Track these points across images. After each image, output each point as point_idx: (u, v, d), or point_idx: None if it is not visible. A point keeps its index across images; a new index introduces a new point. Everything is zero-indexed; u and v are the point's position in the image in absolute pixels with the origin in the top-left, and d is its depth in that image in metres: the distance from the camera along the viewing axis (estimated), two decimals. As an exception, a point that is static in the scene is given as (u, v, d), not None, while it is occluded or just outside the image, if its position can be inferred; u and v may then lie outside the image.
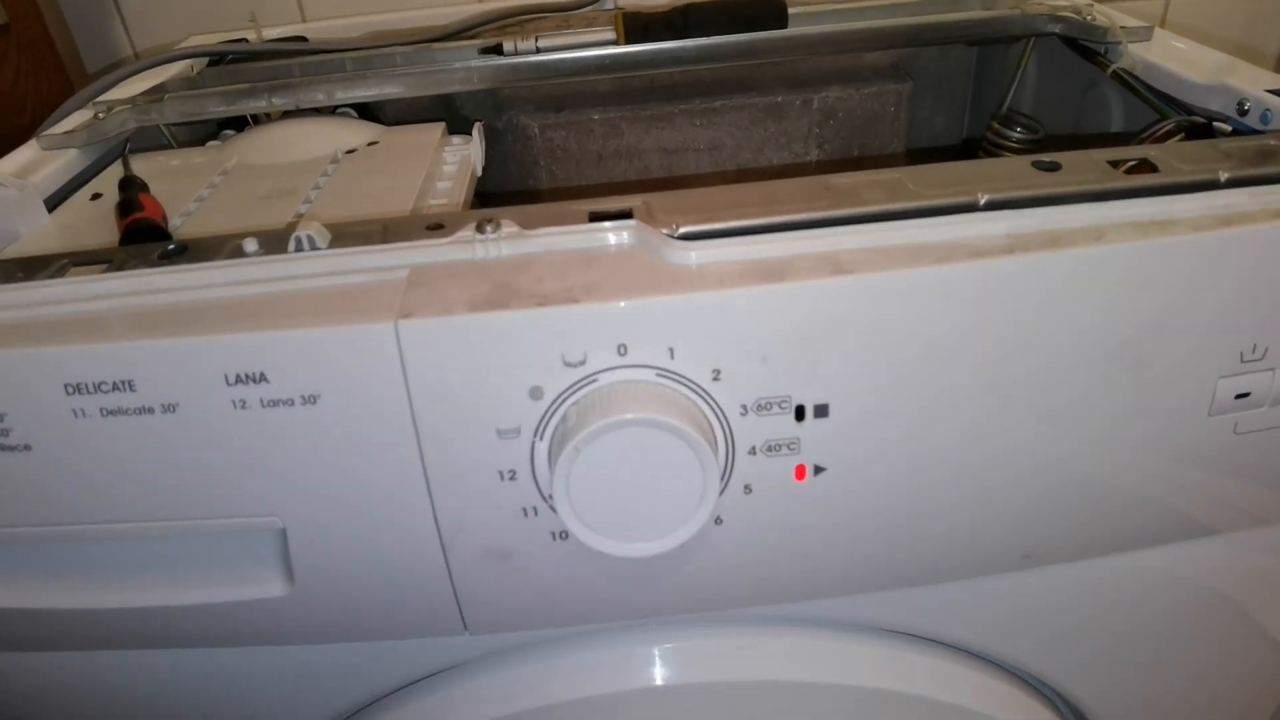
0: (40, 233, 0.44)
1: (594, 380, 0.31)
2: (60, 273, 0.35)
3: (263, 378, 0.30)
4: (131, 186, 0.44)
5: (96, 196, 0.48)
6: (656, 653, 0.40)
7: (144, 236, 0.39)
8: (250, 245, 0.34)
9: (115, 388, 0.31)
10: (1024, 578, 0.38)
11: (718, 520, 0.34)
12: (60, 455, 0.32)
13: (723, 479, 0.32)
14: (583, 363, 0.30)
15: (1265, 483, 0.37)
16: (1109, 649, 0.43)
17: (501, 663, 0.41)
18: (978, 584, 0.38)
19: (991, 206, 0.34)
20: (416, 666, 0.40)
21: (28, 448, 0.32)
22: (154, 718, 0.42)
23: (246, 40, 0.63)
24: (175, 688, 0.41)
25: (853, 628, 0.40)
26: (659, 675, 0.39)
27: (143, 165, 0.50)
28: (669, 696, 0.39)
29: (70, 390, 0.31)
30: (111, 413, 0.31)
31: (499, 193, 0.56)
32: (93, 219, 0.45)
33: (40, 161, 0.48)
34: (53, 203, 0.46)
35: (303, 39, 0.63)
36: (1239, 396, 0.35)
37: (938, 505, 0.34)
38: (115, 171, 0.50)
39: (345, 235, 0.34)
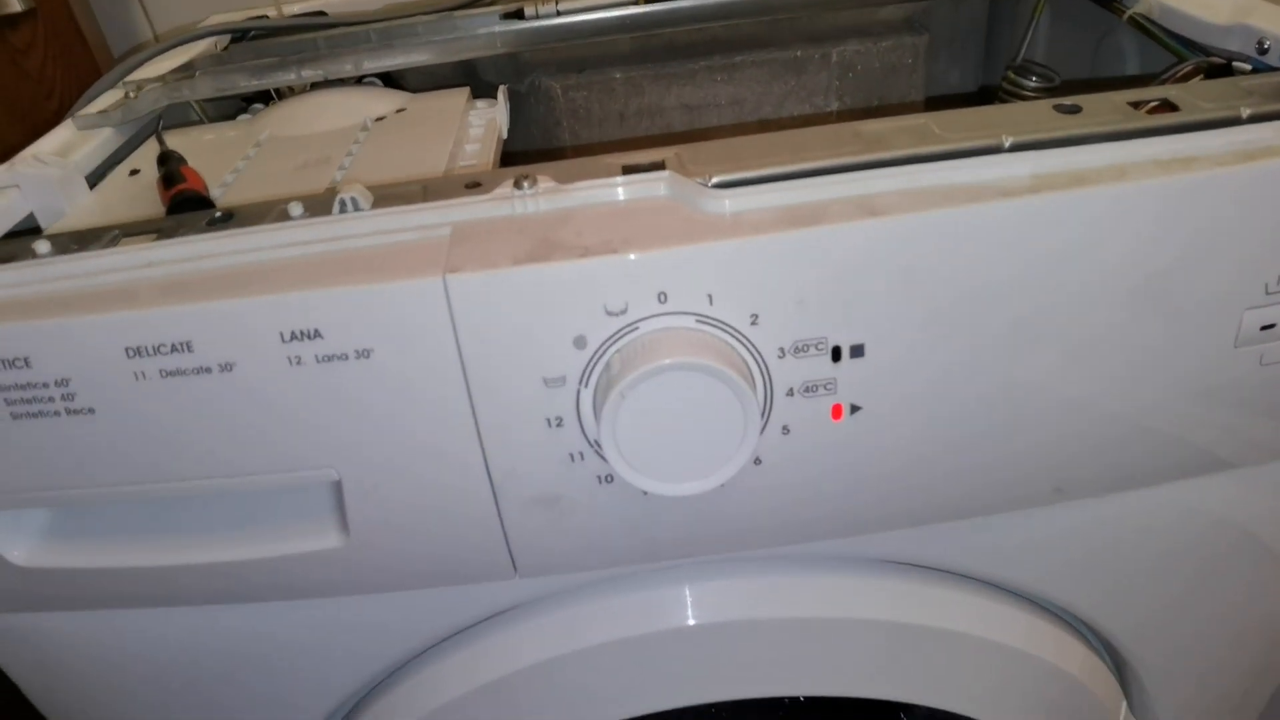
0: (84, 209, 0.45)
1: (635, 328, 0.32)
2: (113, 243, 0.36)
3: (316, 334, 0.31)
4: (171, 160, 0.45)
5: (135, 172, 0.49)
6: (689, 593, 0.41)
7: (189, 206, 0.40)
8: (295, 209, 0.35)
9: (174, 349, 0.32)
10: (1054, 512, 0.39)
11: (757, 461, 0.35)
12: (123, 417, 0.33)
13: (762, 420, 0.33)
14: (624, 311, 0.31)
15: (1291, 413, 0.38)
16: (1137, 583, 0.44)
17: (538, 610, 0.42)
18: (1009, 519, 0.39)
19: (1016, 149, 0.34)
20: (464, 615, 0.41)
21: (92, 411, 0.33)
22: (208, 675, 0.44)
23: (267, 17, 0.64)
24: (230, 643, 0.42)
25: (889, 565, 0.41)
26: (694, 615, 0.40)
27: (176, 141, 0.52)
28: (703, 634, 0.40)
29: (130, 354, 0.32)
30: (171, 374, 0.32)
31: (524, 152, 0.56)
32: (133, 194, 0.46)
33: (77, 141, 0.49)
34: (92, 181, 0.48)
35: (322, 14, 0.63)
36: (1265, 328, 0.35)
37: (970, 441, 0.35)
38: (150, 148, 0.51)
39: (387, 196, 0.35)
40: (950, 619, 0.41)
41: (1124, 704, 0.48)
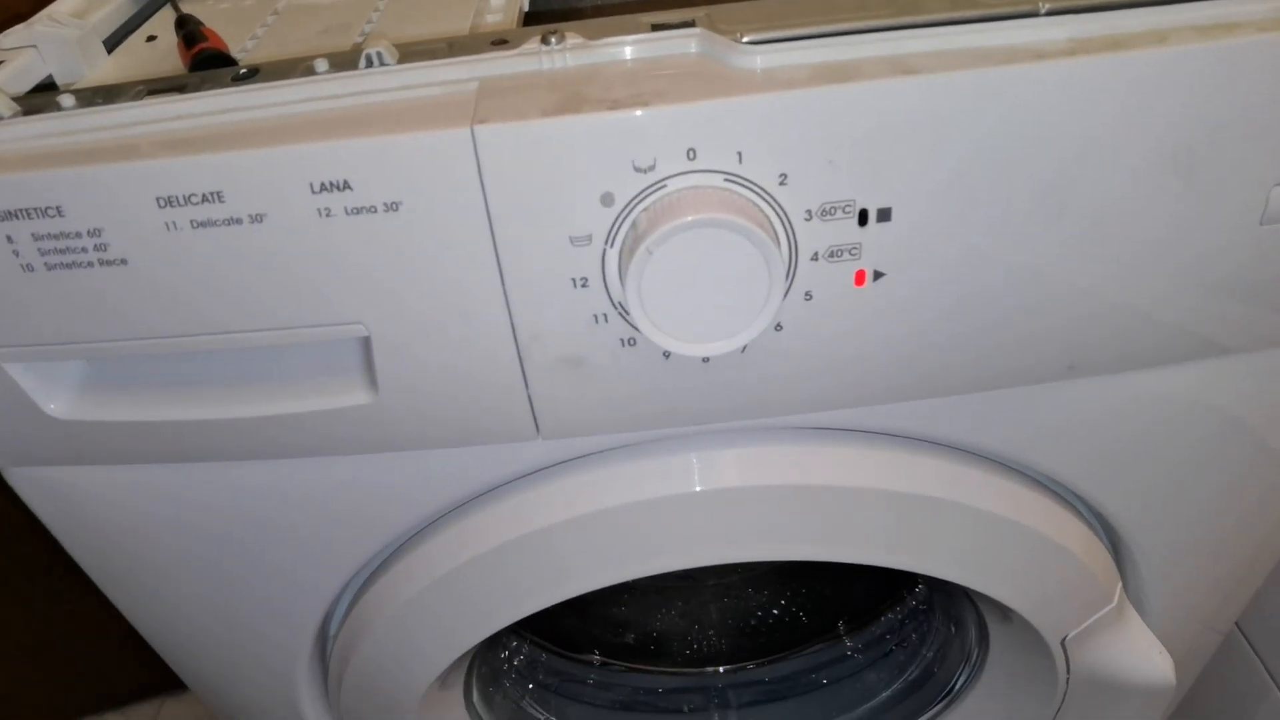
0: (102, 72, 0.45)
1: (663, 185, 0.32)
2: (138, 97, 0.36)
3: (346, 185, 0.32)
4: (189, 22, 0.44)
5: (152, 39, 0.48)
6: (698, 459, 0.42)
7: (213, 64, 0.39)
8: (321, 65, 0.35)
9: (205, 199, 0.32)
10: (1064, 389, 0.40)
11: (778, 327, 0.35)
12: (155, 268, 0.34)
13: (786, 283, 0.34)
14: (652, 168, 0.31)
15: (1308, 297, 0.38)
16: (1138, 464, 0.45)
17: (554, 475, 0.43)
18: (1021, 394, 0.40)
19: (1054, 13, 0.34)
20: (486, 478, 0.43)
21: (124, 262, 0.34)
22: (232, 533, 0.45)
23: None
24: (255, 500, 0.43)
25: (902, 440, 0.42)
26: (715, 479, 0.41)
27: (191, 10, 0.51)
28: (725, 498, 0.41)
29: (162, 204, 0.32)
30: (201, 224, 0.33)
31: (546, 11, 0.55)
32: (151, 59, 0.46)
33: (92, 6, 0.48)
34: (108, 47, 0.47)
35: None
36: (1292, 206, 0.35)
37: (991, 311, 0.35)
38: (165, 16, 0.50)
39: (412, 52, 0.35)
40: (961, 493, 0.42)
41: (1119, 585, 0.50)
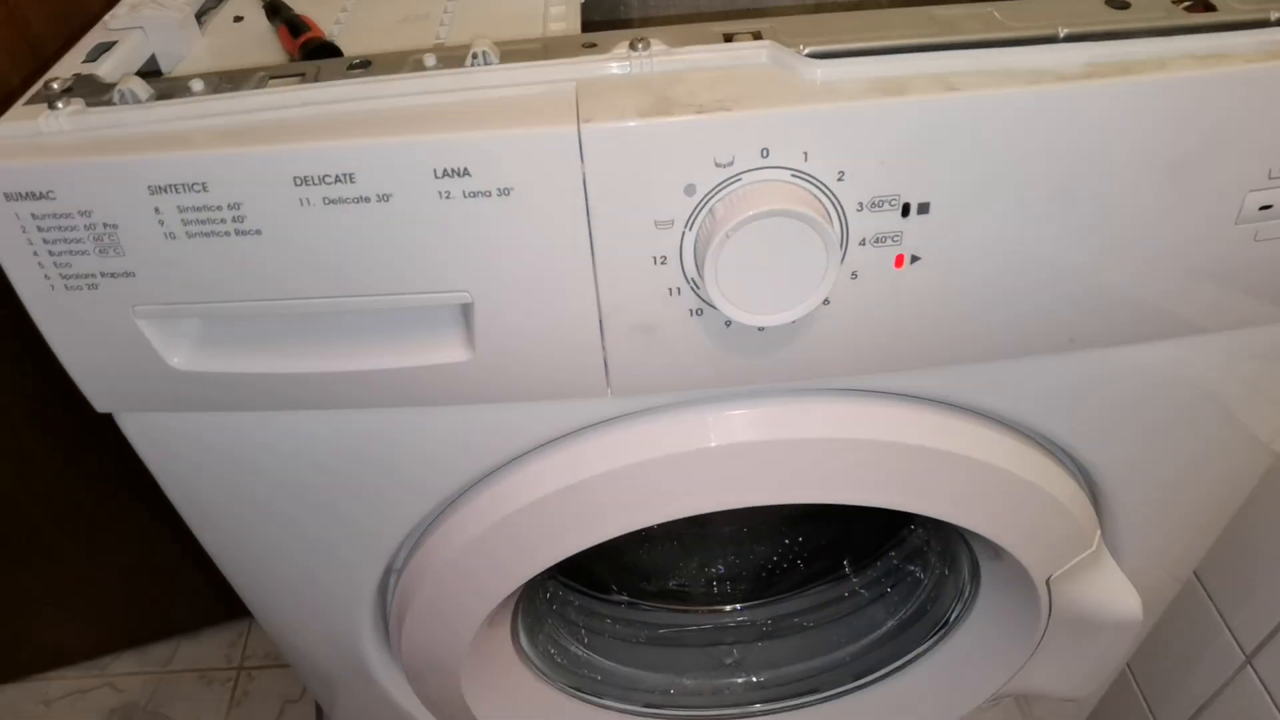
0: (201, 53, 0.49)
1: (739, 179, 0.37)
2: (261, 84, 0.40)
3: (465, 172, 0.36)
4: (284, 9, 0.48)
5: (239, 19, 0.52)
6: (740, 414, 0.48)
7: (321, 53, 0.44)
8: (429, 60, 0.39)
9: (338, 180, 0.37)
10: (1063, 359, 0.46)
11: (826, 302, 0.41)
12: (286, 238, 0.38)
13: (840, 263, 0.39)
14: (731, 164, 0.37)
15: (1271, 285, 0.45)
16: (1122, 426, 0.51)
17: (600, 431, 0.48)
18: (1026, 362, 0.46)
19: (1070, 39, 0.39)
20: (556, 428, 0.48)
21: (259, 232, 0.38)
22: (328, 473, 0.50)
23: None
24: (353, 443, 0.48)
25: (918, 400, 0.48)
26: (756, 432, 0.47)
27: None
28: (757, 449, 0.47)
29: (298, 182, 0.37)
30: (333, 202, 0.37)
31: (595, 21, 0.59)
32: (244, 40, 0.50)
33: (178, -14, 0.52)
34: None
35: None
36: (1263, 208, 0.41)
37: (1008, 291, 0.41)
38: (242, -2, 0.54)
39: (512, 52, 0.40)
40: (966, 447, 0.48)
41: (1099, 532, 0.56)
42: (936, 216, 0.38)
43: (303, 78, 0.40)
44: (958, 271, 0.40)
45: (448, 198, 0.37)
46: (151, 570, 1.14)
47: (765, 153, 0.36)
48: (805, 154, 0.36)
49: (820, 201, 0.37)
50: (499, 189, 0.37)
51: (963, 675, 0.66)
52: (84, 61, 0.44)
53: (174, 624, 1.24)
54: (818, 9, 0.61)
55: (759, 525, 0.75)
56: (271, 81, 0.40)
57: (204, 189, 0.37)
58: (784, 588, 0.75)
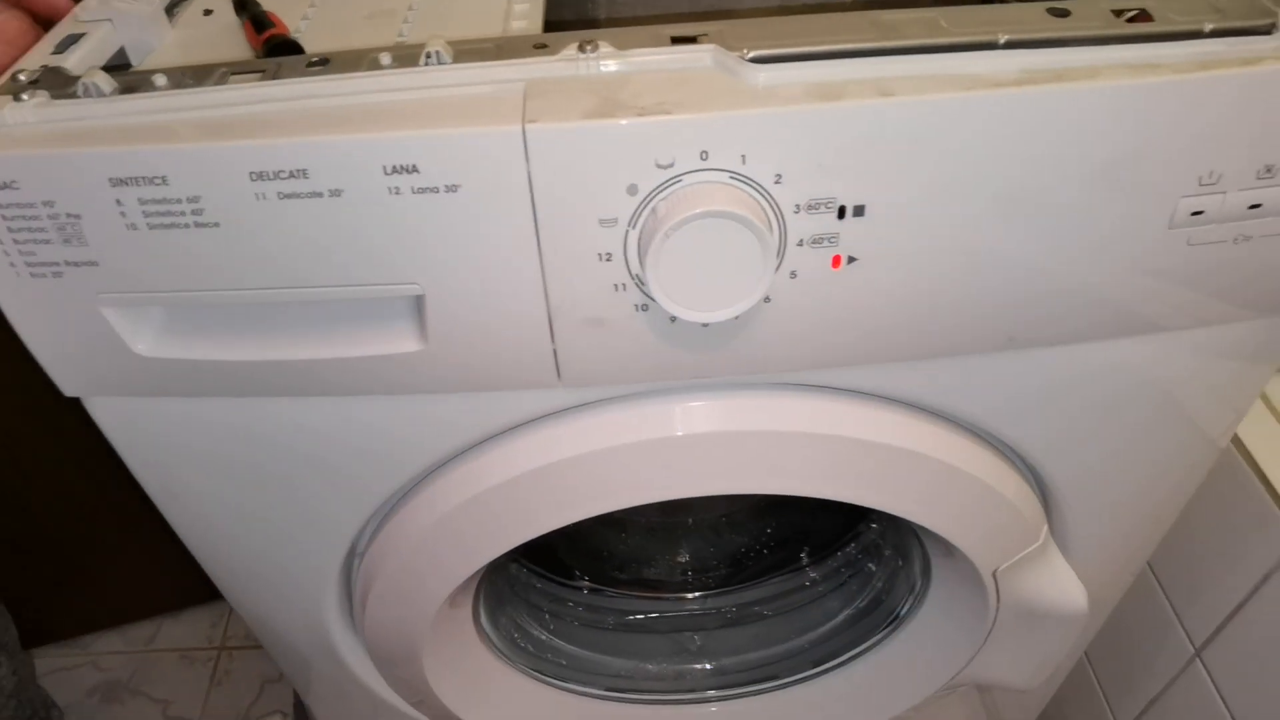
0: (169, 46, 0.50)
1: (679, 180, 0.38)
2: (223, 80, 0.41)
3: (414, 169, 0.37)
4: (251, 4, 0.49)
5: (209, 12, 0.53)
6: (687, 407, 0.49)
7: (283, 50, 0.45)
8: (385, 59, 0.41)
9: (292, 175, 0.38)
10: (1005, 358, 0.48)
11: (767, 299, 0.42)
12: (243, 231, 0.40)
13: (776, 263, 0.40)
14: (672, 165, 0.38)
15: (1207, 288, 0.46)
16: (1066, 424, 0.53)
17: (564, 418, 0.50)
18: (968, 361, 0.47)
19: (1010, 46, 0.40)
20: (505, 420, 0.49)
21: (217, 224, 0.40)
22: (286, 462, 0.52)
23: None
24: (303, 434, 0.50)
25: (864, 395, 0.49)
26: (707, 424, 0.48)
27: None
28: (708, 440, 0.48)
29: (254, 177, 0.38)
30: (287, 196, 0.39)
31: (560, 21, 0.60)
32: (213, 34, 0.51)
33: (147, -22, 0.53)
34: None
35: None
36: (1194, 214, 0.42)
37: (944, 292, 0.42)
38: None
39: (465, 51, 0.41)
40: (915, 443, 0.49)
41: (1045, 526, 0.58)
42: (872, 219, 0.39)
43: (263, 74, 0.41)
44: (894, 272, 0.41)
45: (397, 194, 0.38)
46: (135, 550, 1.16)
47: (705, 155, 0.38)
48: (743, 157, 0.38)
49: (758, 203, 0.39)
50: (446, 186, 0.38)
51: (915, 665, 0.67)
52: (52, 53, 0.45)
53: (157, 603, 1.26)
54: (783, 11, 0.62)
55: (721, 515, 0.77)
56: (233, 78, 0.41)
57: (164, 182, 0.38)
58: (746, 576, 0.77)
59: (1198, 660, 0.72)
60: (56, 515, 1.08)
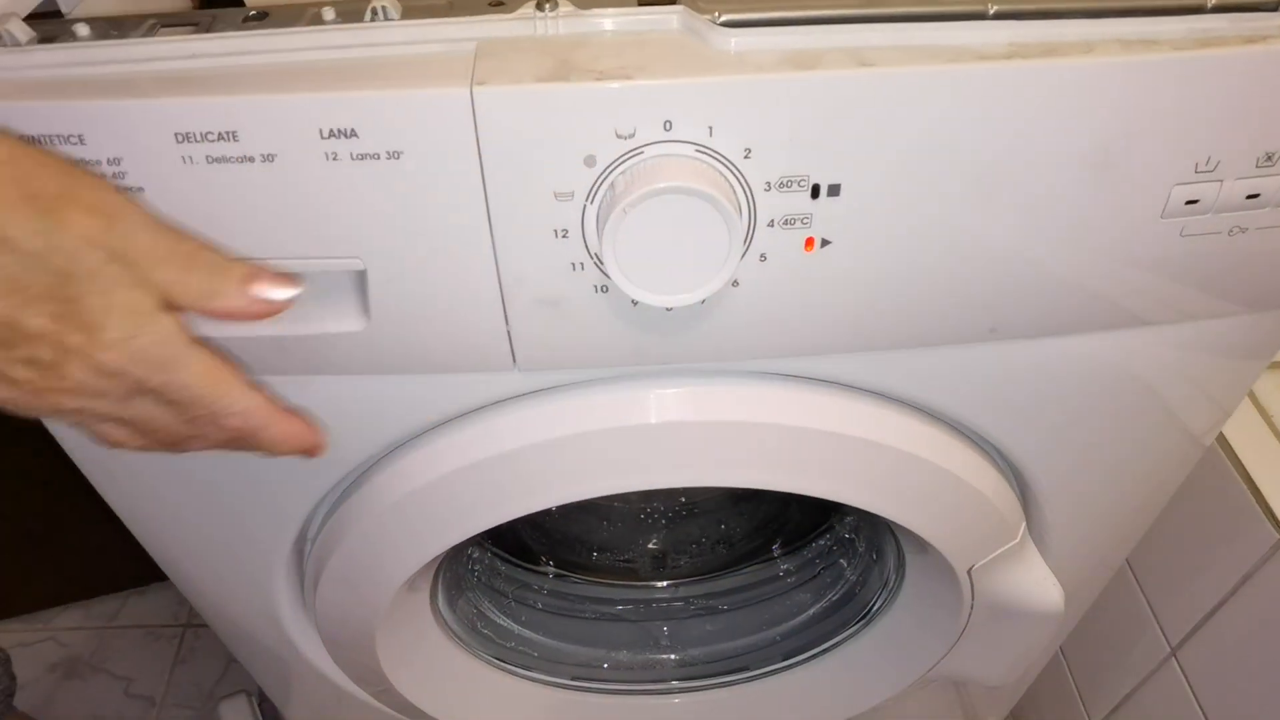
0: (104, -6, 0.46)
1: (640, 152, 0.35)
2: (151, 32, 0.38)
3: (353, 133, 0.35)
4: (192, -47, 0.46)
5: (151, -39, 0.49)
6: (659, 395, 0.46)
7: (219, 2, 0.41)
8: (328, 13, 0.37)
9: (220, 138, 0.35)
10: (987, 349, 0.45)
11: (735, 283, 0.39)
12: (169, 198, 0.37)
13: (744, 245, 0.38)
14: (632, 135, 0.35)
15: (1199, 281, 0.44)
16: (1048, 420, 0.51)
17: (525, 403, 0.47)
18: (948, 352, 0.45)
19: (999, 16, 0.37)
20: (464, 403, 0.47)
21: (141, 189, 0.37)
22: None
23: None
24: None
25: (840, 386, 0.47)
26: (667, 414, 0.46)
27: (189, -68, 0.52)
28: (671, 430, 0.46)
29: (180, 139, 0.35)
30: (216, 160, 0.36)
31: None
32: (152, -17, 0.47)
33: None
34: (108, -35, 0.48)
35: None
36: (1189, 203, 0.40)
37: (923, 279, 0.40)
38: (162, -63, 0.51)
39: (414, 8, 0.38)
40: (890, 438, 0.47)
41: (1023, 524, 0.56)
42: (848, 199, 0.37)
43: (195, 27, 0.38)
44: (870, 257, 0.39)
45: (335, 159, 0.35)
46: (100, 523, 1.13)
47: (668, 125, 0.35)
48: (710, 128, 0.35)
49: (725, 179, 0.36)
50: (388, 152, 0.35)
51: (887, 660, 0.66)
52: (-27, -1, 0.42)
53: (123, 579, 1.23)
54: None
55: (692, 503, 0.75)
56: (162, 30, 0.38)
57: (80, 142, 0.35)
58: (717, 566, 0.75)
59: (1173, 659, 0.71)
60: (17, 487, 1.05)
